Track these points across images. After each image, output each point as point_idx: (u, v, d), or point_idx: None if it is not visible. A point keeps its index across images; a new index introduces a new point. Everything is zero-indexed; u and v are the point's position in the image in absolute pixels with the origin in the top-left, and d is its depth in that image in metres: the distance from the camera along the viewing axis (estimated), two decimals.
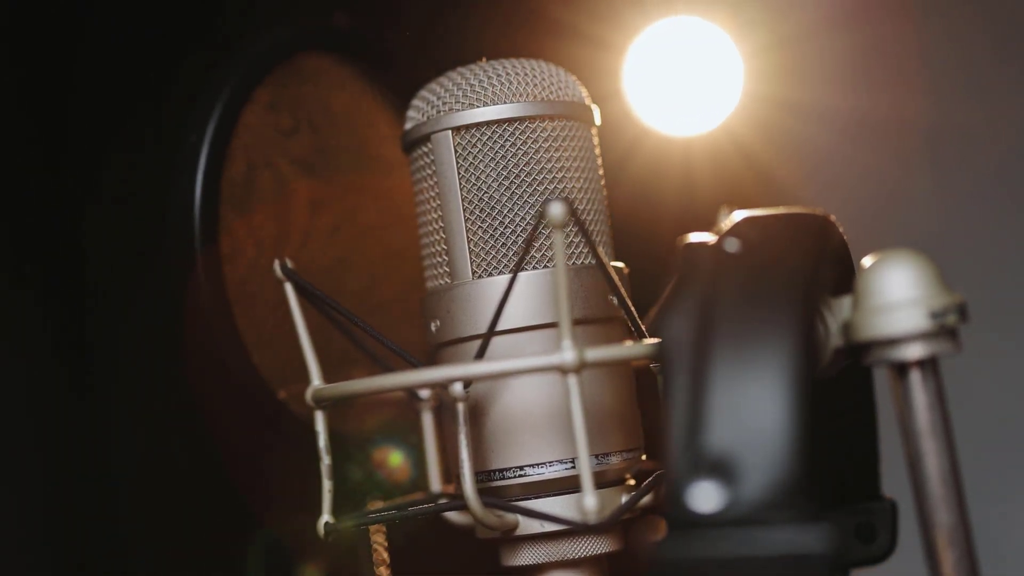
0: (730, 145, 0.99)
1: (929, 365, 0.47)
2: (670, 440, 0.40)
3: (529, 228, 0.56)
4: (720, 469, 0.39)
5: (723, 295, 0.43)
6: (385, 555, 0.65)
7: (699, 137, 0.96)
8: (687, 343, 0.42)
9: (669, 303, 0.44)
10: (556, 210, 0.48)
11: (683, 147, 0.96)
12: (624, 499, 0.57)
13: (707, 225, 0.55)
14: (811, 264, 0.44)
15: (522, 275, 0.55)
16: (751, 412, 0.39)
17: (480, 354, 0.53)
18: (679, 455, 0.40)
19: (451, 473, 0.61)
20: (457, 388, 0.52)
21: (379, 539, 0.66)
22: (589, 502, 0.48)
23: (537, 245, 0.56)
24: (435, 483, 0.64)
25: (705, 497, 0.39)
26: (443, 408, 0.60)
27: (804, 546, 0.38)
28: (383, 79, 0.74)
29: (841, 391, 0.53)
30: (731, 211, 0.64)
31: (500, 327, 0.54)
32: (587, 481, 0.49)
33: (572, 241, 0.56)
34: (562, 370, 0.49)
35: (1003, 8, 1.14)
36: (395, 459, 0.58)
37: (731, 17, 0.94)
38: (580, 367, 0.49)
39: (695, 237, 0.49)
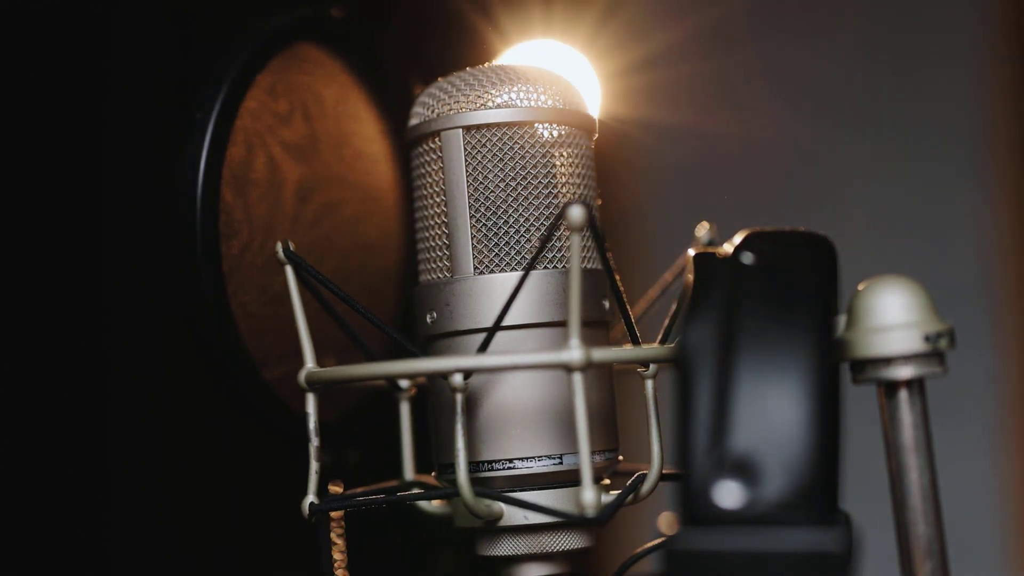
0: None
1: (916, 385, 0.50)
2: (692, 440, 0.42)
3: (530, 228, 0.57)
4: (743, 469, 0.41)
5: (745, 304, 0.45)
6: (341, 537, 0.67)
7: None
8: (710, 349, 0.44)
9: (689, 310, 0.46)
10: (576, 213, 0.49)
11: None
12: (604, 497, 0.59)
13: None
14: (826, 278, 0.46)
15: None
16: (774, 416, 0.42)
17: (483, 347, 0.54)
18: (703, 455, 0.42)
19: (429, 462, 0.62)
20: (457, 379, 0.53)
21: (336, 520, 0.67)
22: (588, 496, 0.50)
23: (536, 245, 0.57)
24: (408, 472, 0.65)
25: (728, 495, 0.41)
26: (428, 398, 0.61)
27: (819, 545, 0.40)
28: (371, 77, 0.75)
29: None
30: (710, 227, 0.67)
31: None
32: (587, 476, 0.50)
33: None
34: (568, 368, 0.51)
35: (824, 34, 1.23)
36: None
37: (588, 41, 0.97)
38: (586, 366, 0.50)
39: (694, 251, 0.52)
